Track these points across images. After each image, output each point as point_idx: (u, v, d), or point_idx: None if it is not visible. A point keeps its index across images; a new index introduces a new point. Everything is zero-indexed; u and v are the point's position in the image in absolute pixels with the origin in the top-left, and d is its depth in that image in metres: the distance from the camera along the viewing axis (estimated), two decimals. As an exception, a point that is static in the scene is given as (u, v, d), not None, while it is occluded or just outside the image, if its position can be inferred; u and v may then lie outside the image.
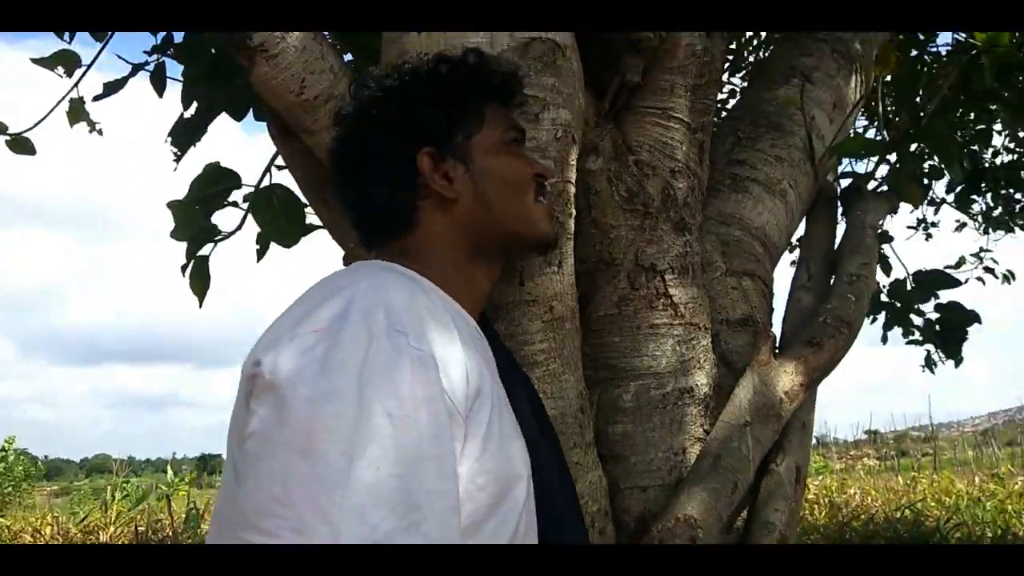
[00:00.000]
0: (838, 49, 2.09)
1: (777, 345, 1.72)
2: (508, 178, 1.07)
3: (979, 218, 5.83)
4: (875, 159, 2.44)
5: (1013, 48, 3.03)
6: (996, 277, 5.87)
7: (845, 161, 2.99)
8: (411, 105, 1.05)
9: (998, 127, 5.07)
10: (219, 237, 2.07)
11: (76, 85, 2.09)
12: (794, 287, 1.88)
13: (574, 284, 1.36)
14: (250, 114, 2.04)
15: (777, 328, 1.81)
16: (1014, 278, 5.95)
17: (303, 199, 1.80)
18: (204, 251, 2.06)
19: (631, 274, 1.46)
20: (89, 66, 2.06)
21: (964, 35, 3.69)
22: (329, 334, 0.78)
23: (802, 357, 1.58)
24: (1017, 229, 5.62)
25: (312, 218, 1.97)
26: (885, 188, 2.16)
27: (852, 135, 2.23)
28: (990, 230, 5.68)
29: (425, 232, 1.04)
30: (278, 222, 1.84)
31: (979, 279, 5.85)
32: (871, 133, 2.86)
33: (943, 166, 2.08)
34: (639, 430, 1.46)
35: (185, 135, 2.10)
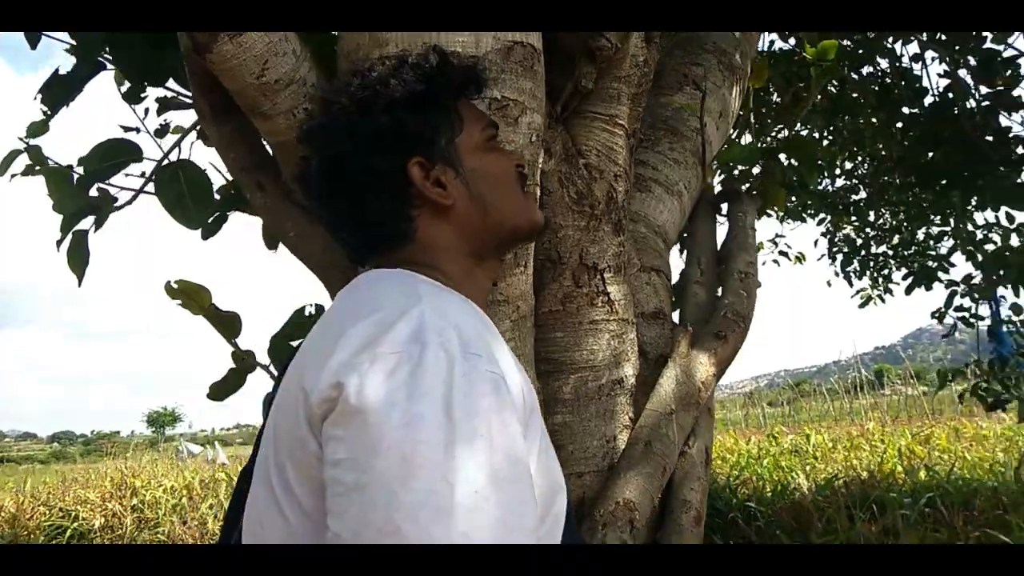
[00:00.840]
0: (723, 61, 2.27)
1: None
2: (498, 176, 1.08)
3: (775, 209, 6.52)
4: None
5: (837, 63, 3.40)
6: (790, 260, 6.61)
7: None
8: (391, 115, 1.03)
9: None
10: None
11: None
12: (687, 282, 2.04)
13: (532, 283, 1.41)
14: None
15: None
16: (804, 259, 6.74)
17: (213, 178, 1.71)
18: (83, 225, 1.89)
19: (575, 272, 1.54)
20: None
21: (793, 45, 4.09)
22: (409, 357, 0.78)
23: (712, 349, 1.74)
24: (808, 218, 6.35)
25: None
26: (754, 192, 2.38)
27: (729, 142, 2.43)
28: (787, 220, 6.37)
29: (426, 240, 1.03)
30: (184, 202, 1.72)
31: (775, 262, 6.59)
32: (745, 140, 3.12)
33: (803, 174, 2.32)
34: (577, 420, 1.55)
35: (60, 93, 1.90)
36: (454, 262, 1.04)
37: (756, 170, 2.36)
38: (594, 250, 1.56)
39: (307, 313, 2.15)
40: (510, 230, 1.09)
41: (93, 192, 1.83)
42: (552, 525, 0.91)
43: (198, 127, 2.04)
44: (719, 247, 2.17)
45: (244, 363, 2.15)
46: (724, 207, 2.32)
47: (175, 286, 2.22)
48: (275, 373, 2.10)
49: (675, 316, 2.00)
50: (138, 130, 3.04)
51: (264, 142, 1.51)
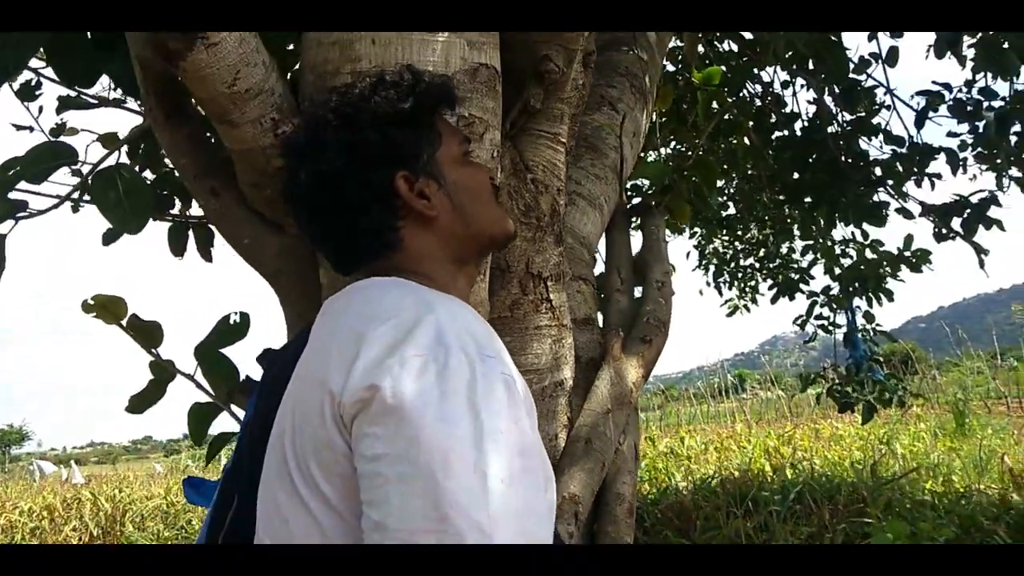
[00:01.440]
0: (635, 84, 2.43)
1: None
2: (476, 188, 1.16)
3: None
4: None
5: (719, 88, 3.66)
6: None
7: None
8: (380, 131, 1.08)
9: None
10: (23, 215, 1.84)
11: None
12: (609, 290, 2.17)
13: (488, 290, 1.49)
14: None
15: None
16: (675, 269, 7.12)
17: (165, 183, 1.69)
18: (2, 229, 1.82)
19: (522, 281, 1.63)
20: None
21: (679, 69, 4.35)
22: (435, 360, 0.84)
23: (640, 353, 1.87)
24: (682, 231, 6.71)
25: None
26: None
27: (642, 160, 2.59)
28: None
29: (412, 249, 1.09)
30: (121, 206, 1.69)
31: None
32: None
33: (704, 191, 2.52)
34: (523, 420, 1.64)
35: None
36: (440, 269, 1.11)
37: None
38: (539, 260, 1.65)
39: (232, 321, 2.13)
40: (488, 238, 1.17)
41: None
42: (549, 510, 0.99)
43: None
44: (635, 257, 2.32)
45: (164, 373, 2.10)
46: (636, 220, 2.48)
47: (91, 302, 2.15)
48: (200, 382, 2.07)
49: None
50: (31, 128, 2.91)
51: (216, 148, 1.52)
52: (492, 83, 1.39)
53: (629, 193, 2.71)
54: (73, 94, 2.50)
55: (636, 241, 2.50)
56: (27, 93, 2.77)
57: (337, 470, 0.86)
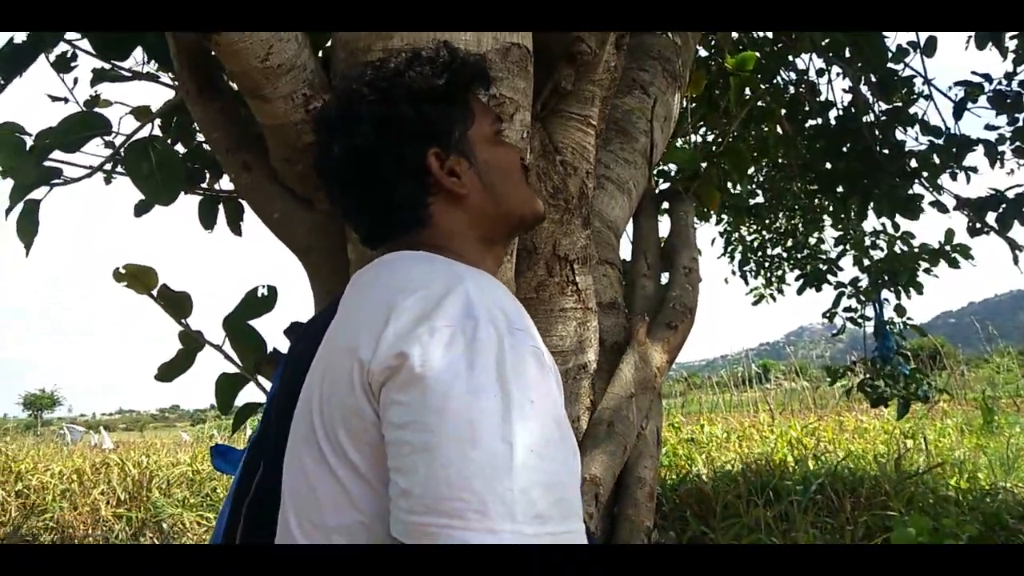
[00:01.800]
0: (667, 68, 2.40)
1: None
2: (506, 168, 1.16)
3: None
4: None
5: (753, 74, 3.61)
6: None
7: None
8: (415, 107, 1.08)
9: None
10: (58, 181, 1.87)
11: None
12: (636, 275, 2.17)
13: (514, 271, 1.50)
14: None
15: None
16: (700, 253, 7.07)
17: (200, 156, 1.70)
18: (36, 195, 1.85)
19: (548, 262, 1.63)
20: None
21: (712, 54, 4.30)
22: (463, 331, 0.85)
23: (665, 338, 1.87)
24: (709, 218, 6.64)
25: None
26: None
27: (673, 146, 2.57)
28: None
29: (441, 226, 1.10)
30: (153, 179, 1.71)
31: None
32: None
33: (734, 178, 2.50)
34: (545, 401, 1.64)
35: (12, 63, 1.85)
36: (468, 248, 1.11)
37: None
38: (566, 242, 1.65)
39: (260, 294, 2.15)
40: (518, 219, 1.17)
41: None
42: (577, 481, 1.00)
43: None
44: (662, 243, 2.31)
45: (193, 343, 2.14)
46: (664, 205, 2.46)
47: (123, 271, 2.18)
48: (228, 353, 2.10)
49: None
50: (66, 100, 2.95)
51: (248, 122, 1.53)
52: (524, 63, 1.39)
53: (657, 179, 2.69)
54: (108, 67, 2.54)
55: (664, 226, 2.50)
56: (63, 65, 2.80)
57: (366, 438, 0.87)
